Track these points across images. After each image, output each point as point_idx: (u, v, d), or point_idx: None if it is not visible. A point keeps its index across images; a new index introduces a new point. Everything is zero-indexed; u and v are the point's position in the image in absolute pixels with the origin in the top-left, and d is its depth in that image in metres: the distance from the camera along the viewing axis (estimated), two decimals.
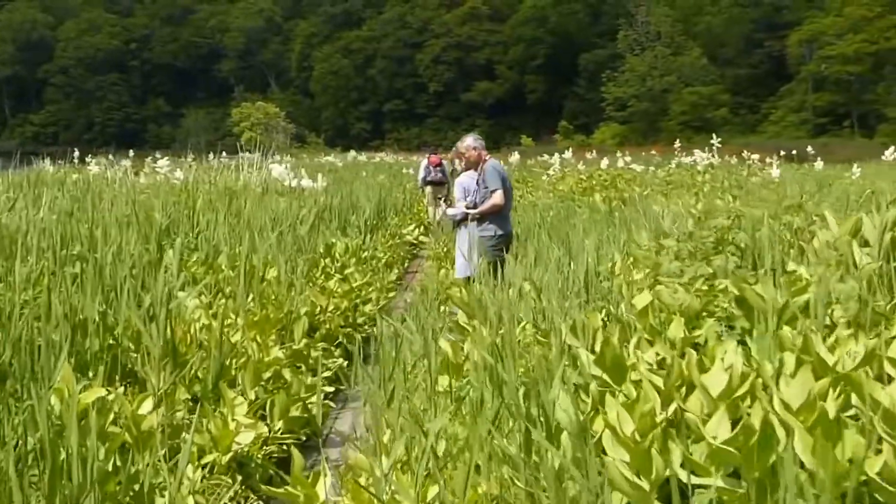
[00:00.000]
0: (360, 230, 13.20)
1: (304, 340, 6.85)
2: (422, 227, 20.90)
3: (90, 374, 4.92)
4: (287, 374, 6.11)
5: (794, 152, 29.87)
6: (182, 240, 7.60)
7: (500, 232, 8.88)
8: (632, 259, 7.40)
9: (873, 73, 73.81)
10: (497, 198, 8.72)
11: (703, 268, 5.95)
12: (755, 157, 23.79)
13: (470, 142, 9.15)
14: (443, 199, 9.81)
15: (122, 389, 4.76)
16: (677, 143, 25.50)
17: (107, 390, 4.52)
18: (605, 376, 3.93)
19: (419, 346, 5.63)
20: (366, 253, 11.82)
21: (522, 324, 5.53)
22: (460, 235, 10.05)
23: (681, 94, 78.91)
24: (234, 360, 5.58)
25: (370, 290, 9.51)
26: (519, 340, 5.02)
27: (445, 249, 15.01)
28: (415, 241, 18.48)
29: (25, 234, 6.77)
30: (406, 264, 16.04)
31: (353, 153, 53.26)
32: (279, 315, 6.73)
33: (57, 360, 4.70)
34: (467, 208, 9.02)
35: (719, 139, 25.55)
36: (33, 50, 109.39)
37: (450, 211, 10.12)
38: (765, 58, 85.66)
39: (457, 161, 10.28)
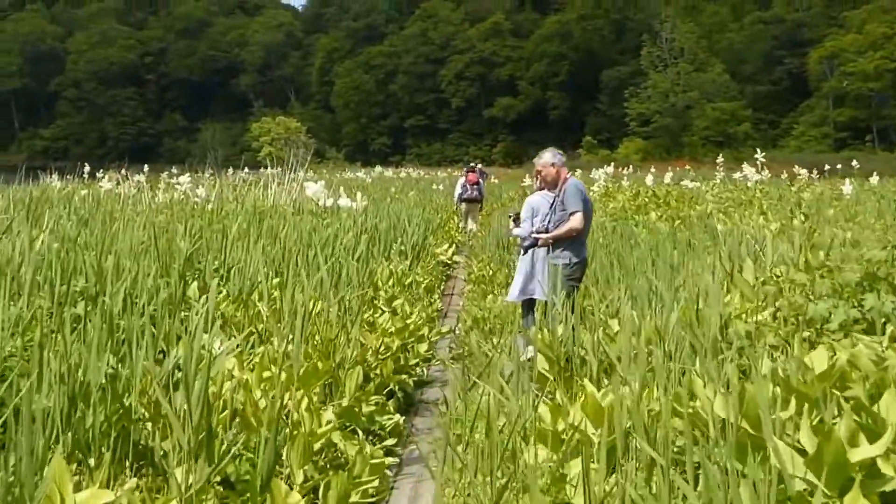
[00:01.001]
0: (406, 255, 12.01)
1: (357, 394, 5.67)
2: (455, 246, 20.12)
3: (93, 456, 3.74)
4: (339, 440, 4.94)
5: (826, 167, 28.58)
6: (210, 270, 6.43)
7: (575, 259, 7.67)
8: (740, 293, 6.19)
9: (893, 88, 73.29)
10: (576, 221, 7.51)
11: (853, 311, 4.74)
12: (804, 171, 22.51)
13: (548, 157, 7.94)
14: (512, 217, 8.46)
15: (134, 481, 3.58)
16: (720, 159, 24.17)
17: (113, 489, 3.35)
18: (821, 486, 2.74)
19: (506, 406, 4.44)
20: (409, 279, 10.63)
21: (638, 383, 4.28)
22: (523, 259, 8.89)
23: (703, 110, 78.00)
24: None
25: (420, 323, 8.31)
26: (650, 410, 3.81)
27: (484, 271, 13.86)
28: (448, 261, 17.39)
29: (19, 265, 5.56)
30: (442, 286, 14.90)
31: (379, 168, 52.30)
32: (328, 365, 5.54)
33: (49, 443, 3.54)
34: (538, 233, 7.83)
35: (763, 153, 24.31)
36: (43, 62, 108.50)
37: (515, 230, 8.98)
38: (785, 74, 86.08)
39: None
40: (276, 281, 7.26)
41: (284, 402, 4.66)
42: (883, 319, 4.23)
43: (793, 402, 3.18)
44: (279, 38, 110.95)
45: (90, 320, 4.49)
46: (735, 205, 16.26)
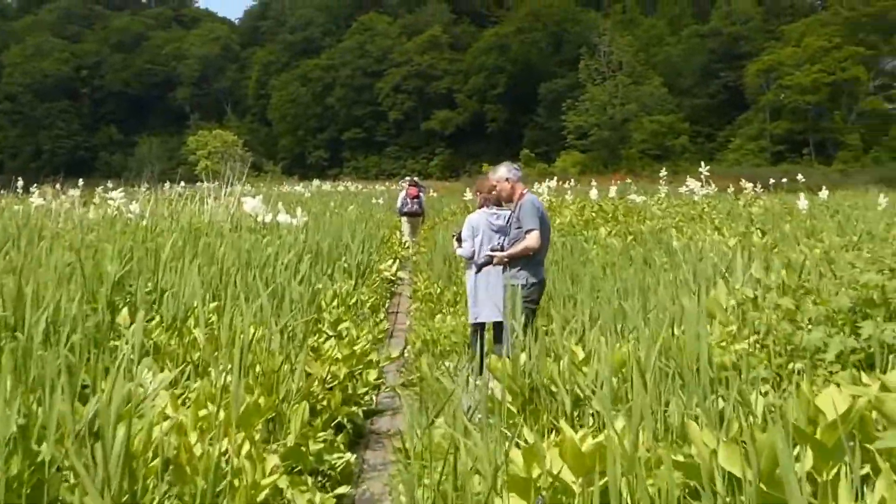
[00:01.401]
0: (351, 274, 11.52)
1: (303, 430, 5.19)
2: (398, 262, 19.81)
3: None
4: (286, 486, 4.45)
5: (771, 181, 28.66)
6: (142, 293, 5.89)
7: (532, 279, 7.27)
8: (717, 318, 5.83)
9: (830, 101, 74.63)
10: (532, 239, 7.12)
11: (849, 341, 4.39)
12: (749, 185, 22.41)
13: (503, 172, 7.55)
14: (455, 237, 7.99)
15: None
16: (664, 172, 23.99)
17: None
18: None
19: (475, 452, 3.99)
20: (354, 299, 10.15)
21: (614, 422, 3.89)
22: (471, 278, 8.52)
23: (641, 123, 78.48)
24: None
25: (367, 348, 7.83)
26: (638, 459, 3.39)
27: (431, 289, 13.43)
28: (392, 278, 16.95)
29: None
30: (387, 304, 14.44)
31: (317, 182, 51.65)
32: (271, 401, 5.05)
33: None
34: (492, 251, 7.42)
35: (707, 167, 24.27)
36: None
37: (459, 251, 8.60)
38: (721, 88, 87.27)
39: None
40: (213, 305, 6.73)
41: (223, 448, 4.16)
42: (882, 350, 3.89)
43: (809, 452, 2.79)
44: (216, 50, 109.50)
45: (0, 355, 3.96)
46: (686, 219, 16.03)
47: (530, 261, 7.25)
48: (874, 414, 2.99)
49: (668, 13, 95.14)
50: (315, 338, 7.13)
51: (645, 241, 11.48)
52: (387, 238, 21.26)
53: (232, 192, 15.62)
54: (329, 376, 6.46)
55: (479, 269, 7.61)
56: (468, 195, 27.99)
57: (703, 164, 21.88)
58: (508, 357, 7.53)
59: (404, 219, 20.76)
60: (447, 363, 9.07)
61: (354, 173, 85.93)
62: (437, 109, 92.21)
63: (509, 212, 9.00)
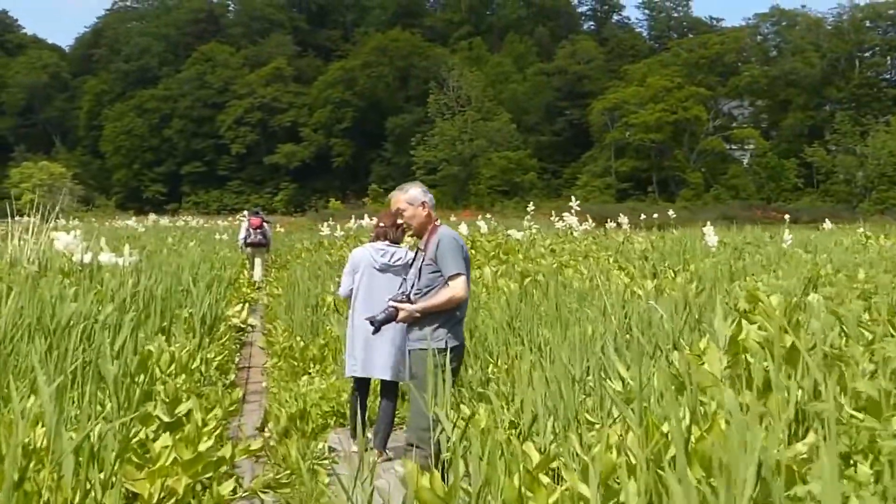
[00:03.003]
0: (194, 329, 9.27)
1: None
2: (247, 305, 17.64)
3: None
4: None
5: (642, 216, 27.71)
6: None
7: (453, 342, 5.34)
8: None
9: (673, 140, 76.45)
10: (458, 288, 5.22)
11: None
12: (624, 221, 21.08)
13: (417, 194, 5.64)
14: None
15: None
16: (531, 206, 22.34)
17: None
18: None
19: None
20: (196, 361, 7.97)
21: None
22: (351, 319, 7.01)
23: (490, 159, 78.12)
24: None
25: (218, 431, 5.69)
26: None
27: (293, 342, 11.35)
28: (242, 324, 14.71)
29: None
30: (237, 358, 12.23)
31: (153, 216, 48.39)
32: None
33: None
34: (396, 301, 5.44)
35: (577, 202, 22.97)
36: None
37: (337, 291, 6.82)
38: (567, 125, 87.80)
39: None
40: None
41: None
42: None
43: None
44: (43, 79, 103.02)
45: None
46: (575, 258, 14.46)
47: (451, 317, 5.32)
48: None
49: (513, 52, 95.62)
50: (143, 430, 4.98)
51: (544, 285, 9.71)
52: (234, 279, 19.00)
53: (47, 228, 13.01)
54: (163, 494, 4.35)
55: (377, 329, 5.60)
56: (325, 230, 25.88)
57: (573, 198, 20.37)
58: (413, 443, 5.62)
59: (249, 251, 20.32)
60: (322, 445, 7.07)
61: (195, 208, 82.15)
62: (281, 143, 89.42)
63: (403, 249, 7.11)
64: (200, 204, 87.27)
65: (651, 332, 5.99)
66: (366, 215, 28.13)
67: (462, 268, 5.29)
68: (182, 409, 5.73)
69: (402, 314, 5.37)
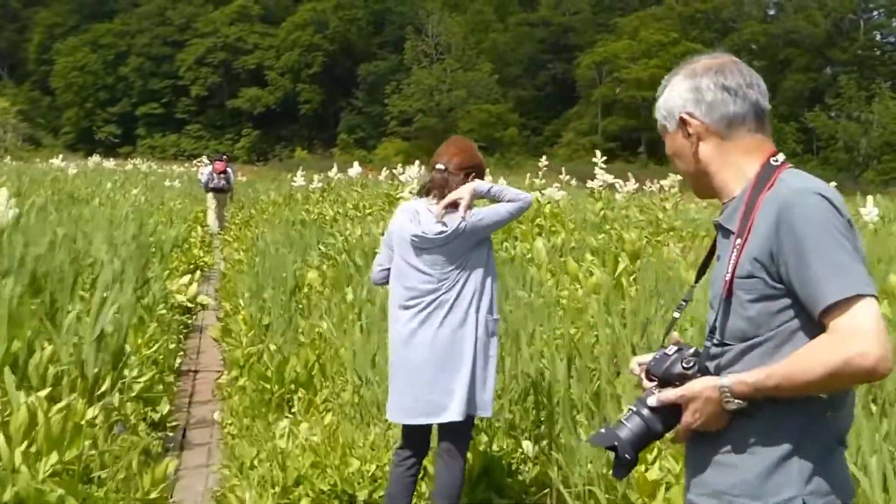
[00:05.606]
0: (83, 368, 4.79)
1: None
2: (199, 273, 13.39)
3: None
4: None
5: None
6: None
7: None
8: None
9: None
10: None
11: None
12: (664, 182, 16.62)
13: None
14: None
15: None
16: (543, 160, 17.80)
17: None
18: None
19: None
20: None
21: None
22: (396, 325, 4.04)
23: (469, 112, 73.48)
24: None
25: None
26: None
27: (256, 336, 7.13)
28: (190, 303, 10.31)
29: None
30: (179, 359, 7.83)
31: (96, 158, 43.27)
32: None
33: None
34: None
35: (603, 158, 18.61)
36: None
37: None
38: (550, 79, 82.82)
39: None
40: None
41: None
42: None
43: None
44: None
45: None
46: (653, 231, 10.20)
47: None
48: None
49: None
50: None
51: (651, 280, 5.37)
52: (184, 237, 14.57)
53: None
54: None
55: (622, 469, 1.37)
56: (299, 180, 21.10)
57: (598, 153, 15.60)
58: None
59: (210, 196, 18.99)
60: None
61: (150, 153, 76.40)
62: (245, 87, 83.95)
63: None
64: (156, 148, 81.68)
65: None
66: (335, 168, 23.04)
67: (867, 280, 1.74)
68: None
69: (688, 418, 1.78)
